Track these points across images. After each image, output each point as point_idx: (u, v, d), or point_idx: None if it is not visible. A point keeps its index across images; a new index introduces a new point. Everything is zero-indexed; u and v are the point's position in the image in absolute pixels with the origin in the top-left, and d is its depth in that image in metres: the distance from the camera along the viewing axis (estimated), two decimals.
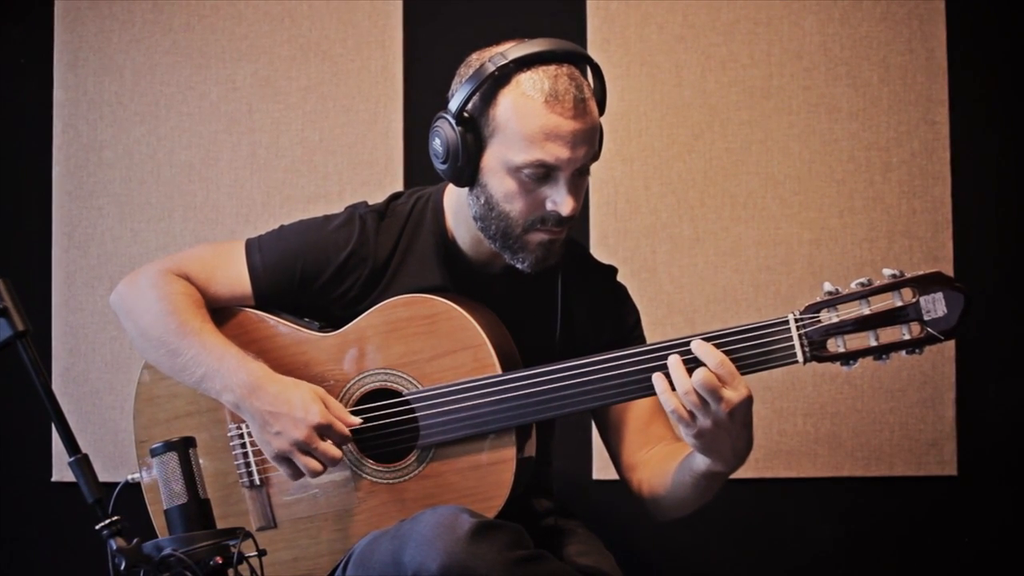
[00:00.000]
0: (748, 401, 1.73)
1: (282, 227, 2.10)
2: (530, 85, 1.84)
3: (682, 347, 1.77)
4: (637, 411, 2.04)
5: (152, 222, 2.84)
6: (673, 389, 1.74)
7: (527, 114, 1.84)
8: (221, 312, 2.06)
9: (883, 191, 2.71)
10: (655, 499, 1.98)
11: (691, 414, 1.73)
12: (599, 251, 2.60)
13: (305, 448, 1.89)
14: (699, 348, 1.74)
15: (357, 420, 1.93)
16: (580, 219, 2.64)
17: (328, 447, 1.89)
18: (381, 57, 2.81)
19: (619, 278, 2.16)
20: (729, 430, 1.74)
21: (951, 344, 2.68)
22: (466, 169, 1.90)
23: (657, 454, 2.01)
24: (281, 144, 2.82)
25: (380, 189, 2.64)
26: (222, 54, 2.84)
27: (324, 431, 1.89)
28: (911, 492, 2.71)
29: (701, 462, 1.81)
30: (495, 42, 1.92)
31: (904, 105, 2.72)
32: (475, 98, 1.87)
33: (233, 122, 2.83)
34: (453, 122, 1.88)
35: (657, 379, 1.76)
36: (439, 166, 1.93)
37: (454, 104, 1.88)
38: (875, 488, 2.71)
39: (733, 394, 1.71)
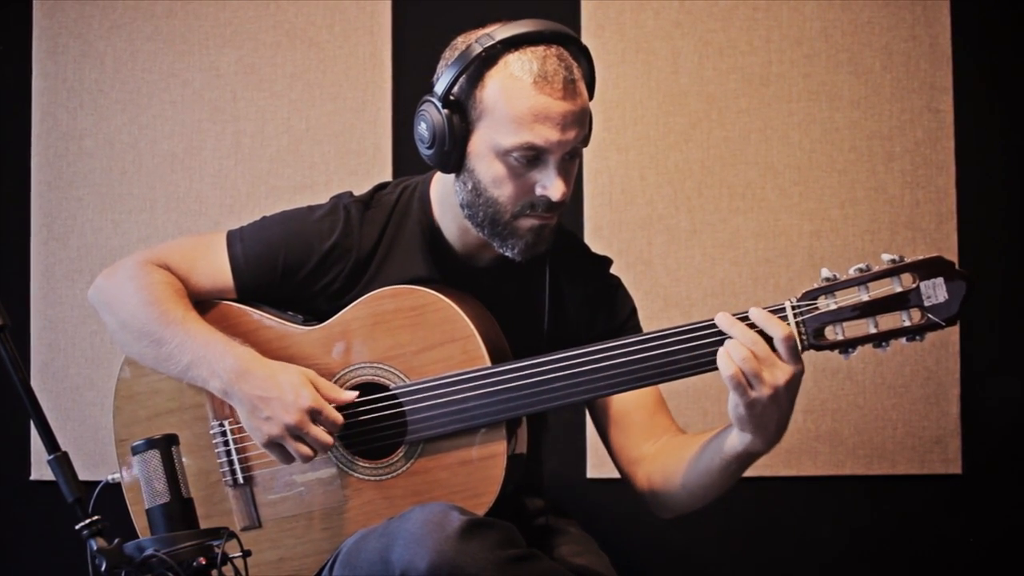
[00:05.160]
0: (801, 372, 1.70)
1: (264, 218, 2.08)
2: (518, 66, 1.82)
3: (677, 338, 1.75)
4: (642, 402, 2.01)
5: (134, 213, 2.83)
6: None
7: (516, 95, 1.81)
8: (202, 305, 2.03)
9: (885, 181, 2.71)
10: (668, 492, 1.94)
11: (748, 381, 1.68)
12: (593, 243, 2.57)
13: (296, 433, 1.86)
14: (758, 315, 1.69)
15: (351, 395, 1.90)
16: (574, 210, 2.64)
17: (319, 432, 1.87)
18: (369, 43, 2.80)
19: (614, 270, 2.13)
20: (780, 402, 1.69)
21: (955, 339, 2.68)
22: (453, 154, 1.87)
23: (667, 445, 1.97)
24: (266, 133, 2.81)
25: (368, 179, 2.65)
26: (205, 40, 2.83)
27: (315, 415, 1.86)
28: (914, 491, 2.70)
29: (738, 441, 1.76)
30: (484, 27, 1.89)
31: (907, 93, 2.72)
32: (462, 80, 1.85)
33: (217, 110, 2.82)
34: (439, 105, 1.85)
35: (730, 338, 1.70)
36: (425, 151, 1.90)
37: (440, 87, 1.86)
38: (877, 487, 2.71)
39: (788, 365, 1.67)
